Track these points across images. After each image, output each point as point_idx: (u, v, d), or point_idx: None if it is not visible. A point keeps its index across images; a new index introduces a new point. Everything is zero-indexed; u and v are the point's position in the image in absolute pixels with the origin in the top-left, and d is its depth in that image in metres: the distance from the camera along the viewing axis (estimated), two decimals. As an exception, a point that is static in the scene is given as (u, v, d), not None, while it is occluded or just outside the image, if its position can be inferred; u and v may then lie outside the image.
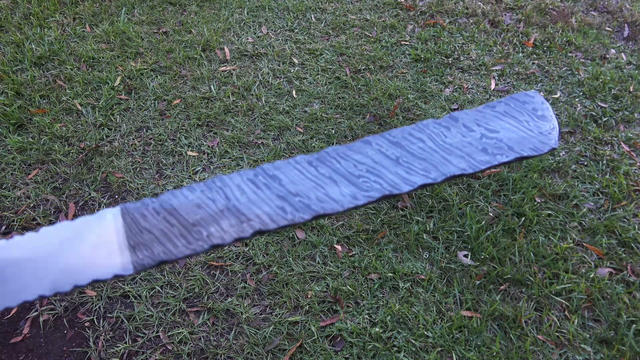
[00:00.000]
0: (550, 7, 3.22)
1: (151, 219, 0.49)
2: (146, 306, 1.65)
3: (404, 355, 1.53)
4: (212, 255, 1.78)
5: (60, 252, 0.45)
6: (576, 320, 1.61)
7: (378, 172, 0.54)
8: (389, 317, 1.61)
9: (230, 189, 0.52)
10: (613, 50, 2.83)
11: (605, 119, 2.37)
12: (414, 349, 1.54)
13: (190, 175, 2.06)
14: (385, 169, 0.55)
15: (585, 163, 2.16)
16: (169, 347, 1.56)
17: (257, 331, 1.59)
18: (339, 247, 1.80)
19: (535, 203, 1.96)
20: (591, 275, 1.72)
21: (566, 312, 1.64)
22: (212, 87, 2.49)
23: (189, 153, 2.15)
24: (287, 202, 0.51)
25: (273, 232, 0.49)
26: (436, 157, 0.56)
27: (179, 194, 0.51)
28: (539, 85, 2.59)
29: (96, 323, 1.62)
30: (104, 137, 2.22)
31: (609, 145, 2.25)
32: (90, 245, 0.46)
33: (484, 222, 1.88)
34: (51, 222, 1.86)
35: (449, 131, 0.59)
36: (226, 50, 2.73)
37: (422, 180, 0.53)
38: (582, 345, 1.56)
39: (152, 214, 0.50)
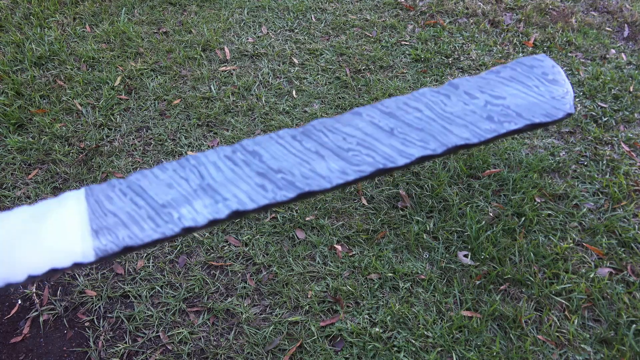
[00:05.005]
0: (550, 7, 3.22)
1: (117, 201, 0.44)
2: (146, 306, 1.65)
3: (404, 355, 1.53)
4: (212, 255, 1.78)
5: (15, 239, 0.41)
6: (576, 320, 1.61)
7: (370, 145, 0.49)
8: (389, 317, 1.61)
9: (205, 167, 0.47)
10: (613, 50, 2.83)
11: (605, 119, 2.37)
12: (414, 349, 1.54)
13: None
14: (378, 141, 0.49)
15: (585, 163, 2.16)
16: (169, 347, 1.56)
17: (257, 331, 1.59)
18: (339, 247, 1.80)
19: (535, 203, 1.96)
20: (591, 275, 1.72)
21: (566, 312, 1.64)
22: (212, 87, 2.49)
23: (189, 153, 2.15)
24: (268, 179, 0.46)
25: (253, 213, 0.45)
26: (435, 126, 0.50)
27: (149, 173, 0.46)
28: (539, 85, 2.58)
29: (96, 323, 1.62)
30: (104, 137, 2.22)
31: (609, 145, 2.25)
32: (50, 231, 0.42)
33: (484, 222, 1.88)
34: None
35: (448, 99, 0.53)
36: (226, 50, 2.73)
37: (420, 152, 0.48)
38: (582, 345, 1.56)
39: (118, 195, 0.45)
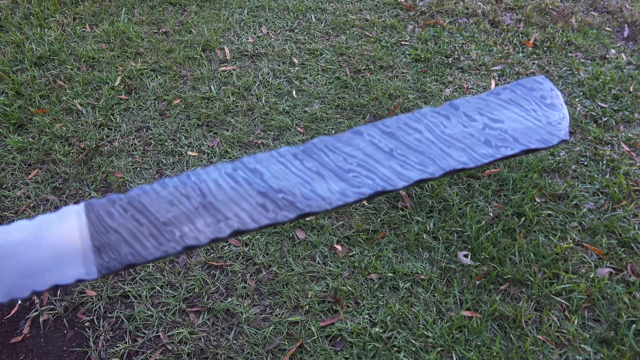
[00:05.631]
0: (550, 7, 3.22)
1: (118, 218, 0.44)
2: (146, 306, 1.65)
3: (404, 355, 1.53)
4: (212, 255, 1.78)
5: (17, 254, 0.41)
6: (576, 320, 1.61)
7: (370, 167, 0.49)
8: (389, 317, 1.61)
9: (206, 184, 0.47)
10: (613, 50, 2.83)
11: (605, 119, 2.37)
12: (414, 349, 1.54)
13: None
14: (377, 162, 0.50)
15: (585, 163, 2.16)
16: (169, 347, 1.56)
17: (257, 331, 1.59)
18: (339, 247, 1.80)
19: (535, 203, 1.96)
20: (591, 275, 1.72)
21: (566, 312, 1.64)
22: (212, 87, 2.49)
23: (189, 153, 2.15)
24: (270, 199, 0.46)
25: (253, 232, 0.45)
26: (434, 149, 0.51)
27: (150, 189, 0.46)
28: (539, 85, 2.58)
29: (96, 323, 1.62)
30: (104, 137, 2.22)
31: (609, 145, 2.25)
32: (51, 247, 0.42)
33: (484, 222, 1.88)
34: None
35: (448, 121, 0.54)
36: (226, 50, 2.73)
37: (419, 176, 0.49)
38: (582, 345, 1.56)
39: (119, 211, 0.45)
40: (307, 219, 1.88)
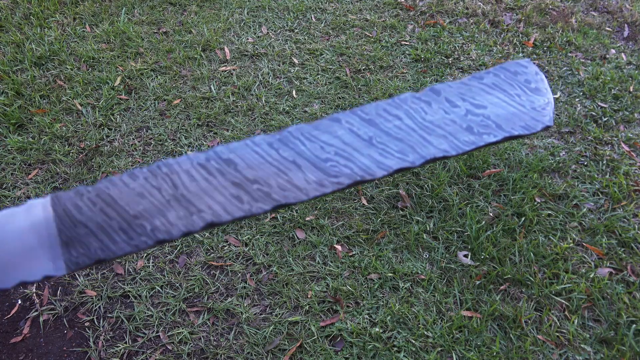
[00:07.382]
0: (550, 7, 3.22)
1: (86, 211, 0.43)
2: (146, 306, 1.65)
3: (404, 355, 1.53)
4: (212, 255, 1.78)
5: None
6: (576, 320, 1.61)
7: (348, 155, 0.48)
8: (389, 317, 1.61)
9: (178, 175, 0.45)
10: (613, 50, 2.83)
11: (605, 119, 2.37)
12: (414, 349, 1.54)
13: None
14: (356, 151, 0.48)
15: (585, 163, 2.16)
16: (169, 347, 1.56)
17: (257, 331, 1.59)
18: (339, 247, 1.80)
19: (535, 203, 1.96)
20: (591, 275, 1.72)
21: (566, 312, 1.64)
22: (212, 87, 2.49)
23: (189, 153, 2.15)
24: (244, 190, 0.45)
25: (227, 225, 0.44)
26: (414, 137, 0.50)
27: (118, 181, 0.45)
28: (539, 85, 2.58)
29: (96, 323, 1.62)
30: (104, 137, 2.22)
31: (609, 145, 2.25)
32: (17, 242, 0.40)
33: (484, 222, 1.88)
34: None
35: (429, 107, 0.52)
36: (226, 50, 2.73)
37: (398, 164, 0.48)
38: (582, 345, 1.56)
39: (87, 205, 0.43)
40: (307, 218, 1.88)
